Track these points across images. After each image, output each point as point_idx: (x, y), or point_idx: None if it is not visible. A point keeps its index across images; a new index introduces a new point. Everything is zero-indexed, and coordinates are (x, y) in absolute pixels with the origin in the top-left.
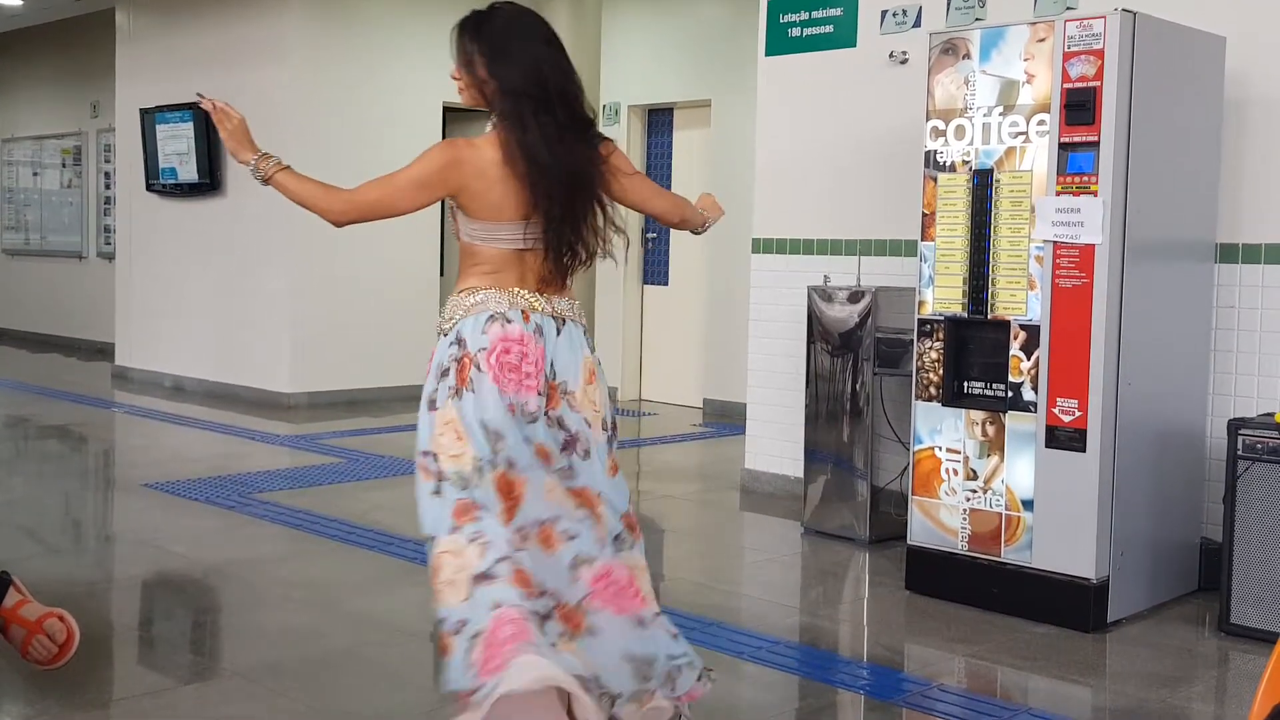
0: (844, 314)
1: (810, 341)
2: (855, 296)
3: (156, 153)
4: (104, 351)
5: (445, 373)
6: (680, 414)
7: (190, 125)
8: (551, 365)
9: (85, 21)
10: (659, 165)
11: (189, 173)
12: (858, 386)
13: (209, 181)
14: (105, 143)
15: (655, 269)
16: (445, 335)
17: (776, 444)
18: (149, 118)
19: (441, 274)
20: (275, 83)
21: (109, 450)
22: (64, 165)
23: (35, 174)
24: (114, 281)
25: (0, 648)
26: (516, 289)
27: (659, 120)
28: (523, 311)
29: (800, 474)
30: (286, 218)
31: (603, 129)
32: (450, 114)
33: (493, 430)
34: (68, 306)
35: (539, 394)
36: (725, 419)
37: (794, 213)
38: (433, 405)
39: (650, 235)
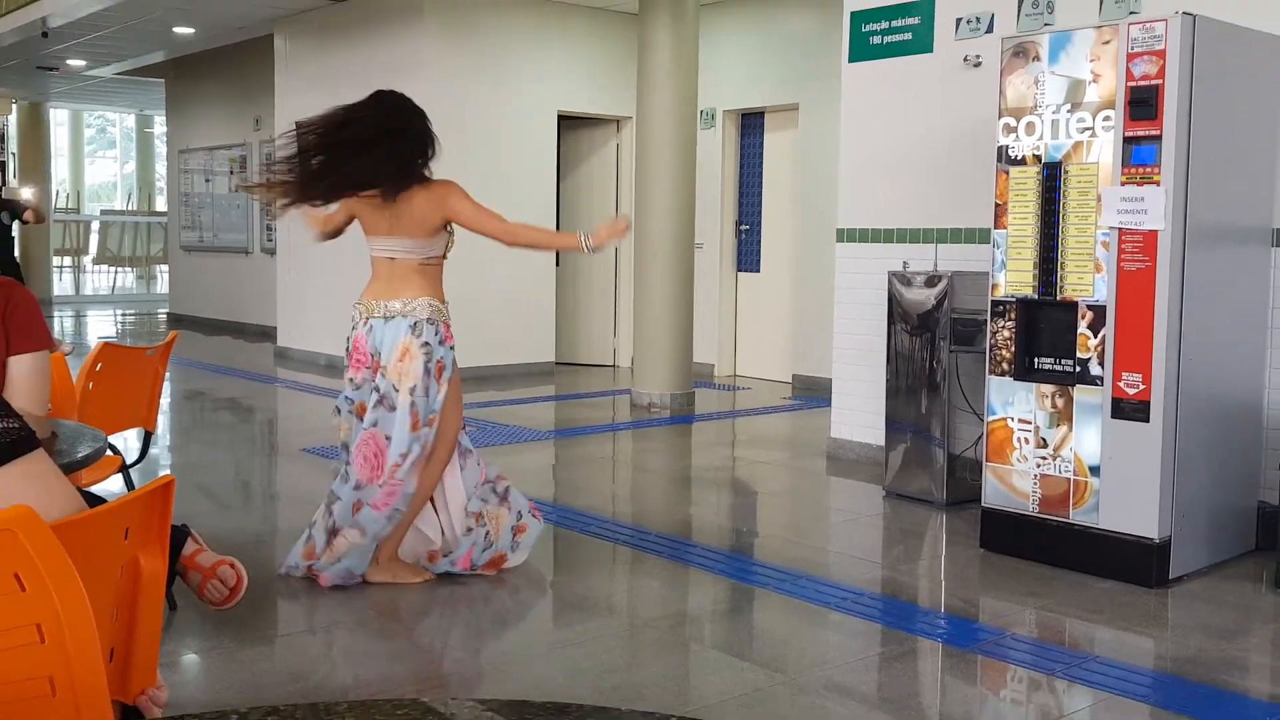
0: (922, 296)
1: (891, 322)
2: (932, 281)
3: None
4: (267, 334)
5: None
6: (771, 388)
7: None
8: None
9: (248, 46)
10: (751, 165)
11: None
12: (935, 363)
13: None
14: (267, 152)
15: (748, 257)
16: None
17: (860, 415)
18: None
19: (558, 264)
20: (412, 95)
21: (272, 420)
22: (231, 172)
23: (207, 180)
24: (275, 273)
25: (180, 590)
26: None
27: (751, 123)
28: None
29: (882, 442)
30: None
31: (700, 132)
32: (565, 121)
33: None
34: (236, 295)
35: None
36: (812, 392)
37: (875, 205)
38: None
39: (743, 227)
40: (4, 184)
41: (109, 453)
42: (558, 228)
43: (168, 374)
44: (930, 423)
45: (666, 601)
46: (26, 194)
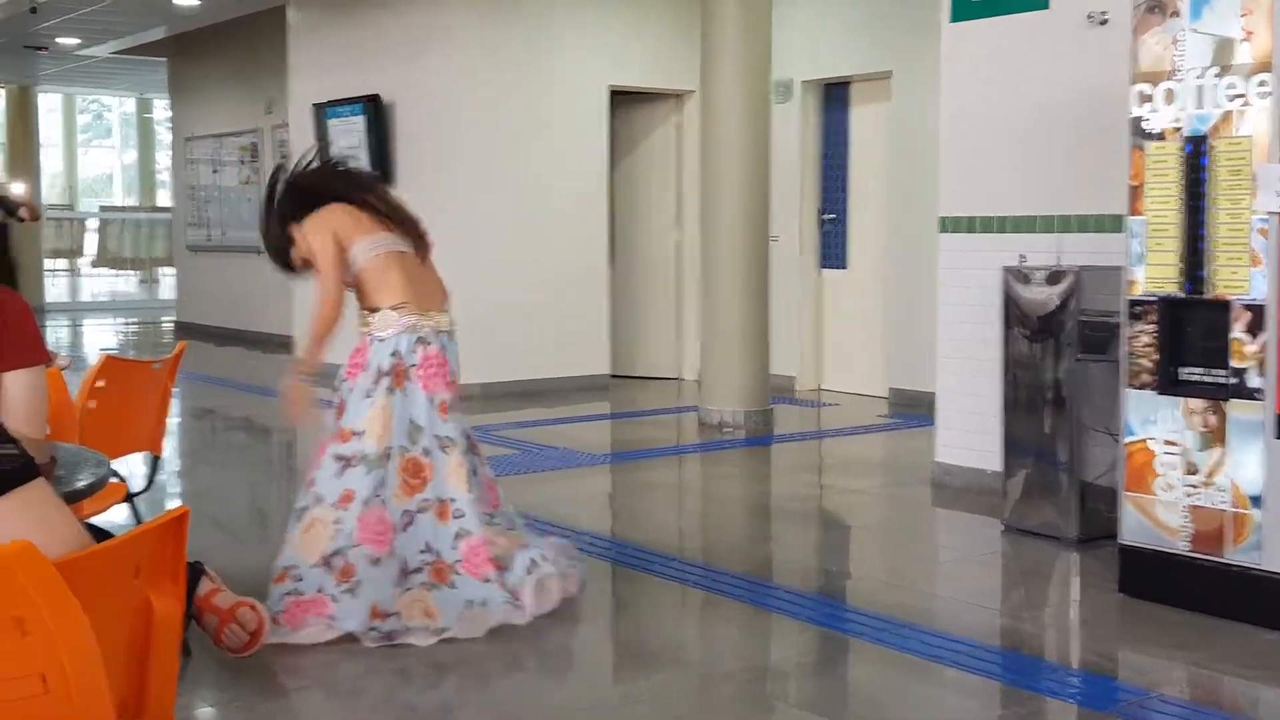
0: (1043, 296)
1: (1006, 326)
2: (1055, 277)
3: (329, 147)
4: (285, 345)
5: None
6: (864, 404)
7: (361, 119)
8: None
9: (257, 20)
10: (836, 144)
11: (361, 165)
12: (1060, 374)
13: (380, 174)
14: (280, 138)
15: (833, 252)
16: None
17: (970, 436)
18: (321, 112)
19: (612, 261)
20: (443, 71)
21: (290, 442)
22: (241, 162)
23: (215, 171)
24: None
25: (194, 635)
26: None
27: (835, 95)
28: None
29: (997, 468)
30: (457, 209)
31: (775, 107)
32: (618, 97)
33: None
34: (249, 300)
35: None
36: (913, 409)
37: (984, 189)
38: None
39: (828, 216)
40: None
41: (113, 480)
42: (612, 219)
43: (175, 390)
44: (1055, 445)
45: (744, 653)
46: (17, 189)
